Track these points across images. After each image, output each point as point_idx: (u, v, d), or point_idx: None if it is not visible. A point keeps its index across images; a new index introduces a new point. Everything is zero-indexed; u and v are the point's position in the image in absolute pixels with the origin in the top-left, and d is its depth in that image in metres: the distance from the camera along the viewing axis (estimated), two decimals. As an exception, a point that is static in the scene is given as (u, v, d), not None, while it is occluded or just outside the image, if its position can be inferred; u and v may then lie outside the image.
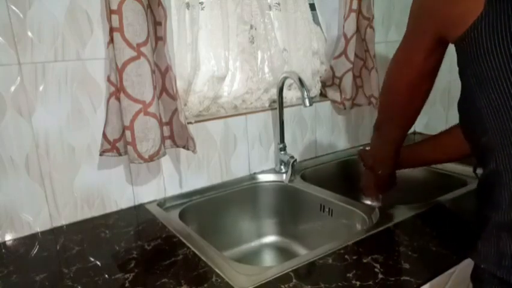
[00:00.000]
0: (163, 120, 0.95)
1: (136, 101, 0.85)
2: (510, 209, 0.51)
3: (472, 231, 0.60)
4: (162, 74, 0.92)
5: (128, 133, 0.86)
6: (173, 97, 0.92)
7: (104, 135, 0.89)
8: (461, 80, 0.58)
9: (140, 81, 0.85)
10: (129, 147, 0.88)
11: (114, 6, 0.80)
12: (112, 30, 0.82)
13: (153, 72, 0.87)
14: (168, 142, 0.98)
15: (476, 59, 0.51)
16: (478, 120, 0.55)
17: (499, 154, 0.52)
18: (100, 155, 0.90)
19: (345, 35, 1.21)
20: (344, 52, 1.22)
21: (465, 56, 0.54)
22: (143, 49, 0.84)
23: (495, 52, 0.49)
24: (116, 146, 0.90)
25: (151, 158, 0.89)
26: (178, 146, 0.98)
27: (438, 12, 0.56)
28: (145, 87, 0.86)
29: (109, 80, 0.87)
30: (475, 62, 0.52)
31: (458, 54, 0.56)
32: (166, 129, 0.96)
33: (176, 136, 0.97)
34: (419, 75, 0.67)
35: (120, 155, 0.91)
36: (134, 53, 0.83)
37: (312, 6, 1.29)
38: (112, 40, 0.83)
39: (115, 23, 0.81)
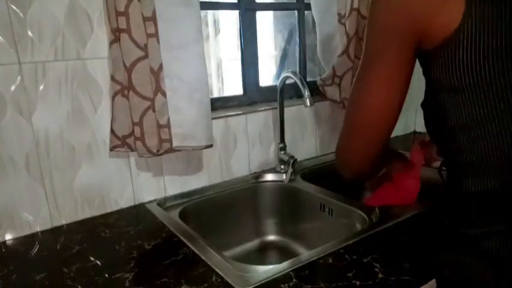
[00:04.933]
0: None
1: (145, 98, 0.87)
2: (482, 179, 0.51)
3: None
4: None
5: (137, 129, 0.88)
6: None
7: (112, 131, 0.90)
8: (430, 94, 0.55)
9: (148, 79, 0.86)
10: (138, 143, 0.90)
11: (121, 8, 0.81)
12: (117, 30, 0.82)
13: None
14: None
15: (454, 70, 0.49)
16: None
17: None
18: (110, 150, 0.91)
19: (347, 34, 1.21)
20: (346, 51, 1.22)
21: (441, 67, 0.51)
22: None
23: (471, 65, 0.47)
24: (127, 141, 0.91)
25: (160, 152, 0.92)
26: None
27: (418, 17, 0.51)
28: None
29: (113, 78, 0.87)
30: (452, 74, 0.50)
31: (430, 65, 0.52)
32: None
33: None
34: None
35: (132, 150, 0.92)
36: (142, 53, 0.85)
37: (307, 6, 1.29)
38: (117, 40, 0.84)
39: (122, 24, 0.82)
